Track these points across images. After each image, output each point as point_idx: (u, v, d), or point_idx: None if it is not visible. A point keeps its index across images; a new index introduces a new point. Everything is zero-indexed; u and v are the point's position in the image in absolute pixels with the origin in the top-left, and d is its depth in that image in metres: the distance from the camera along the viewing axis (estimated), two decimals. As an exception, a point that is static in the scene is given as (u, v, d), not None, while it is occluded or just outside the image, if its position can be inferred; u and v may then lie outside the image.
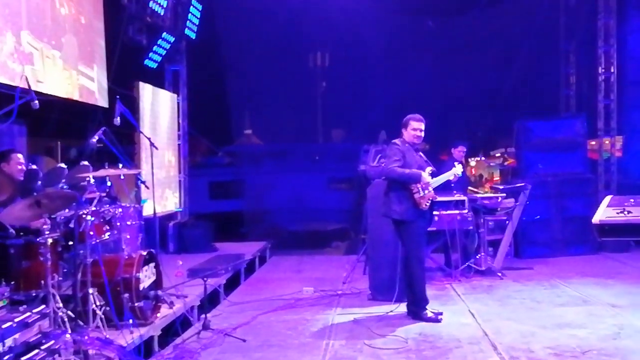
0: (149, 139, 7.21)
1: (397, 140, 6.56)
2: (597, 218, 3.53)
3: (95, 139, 6.19)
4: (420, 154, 6.67)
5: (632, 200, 3.86)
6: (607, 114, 11.57)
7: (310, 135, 18.99)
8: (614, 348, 5.29)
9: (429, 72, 14.56)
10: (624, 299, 6.90)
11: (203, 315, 6.22)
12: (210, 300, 7.04)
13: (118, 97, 6.76)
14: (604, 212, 3.61)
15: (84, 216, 5.29)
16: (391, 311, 6.70)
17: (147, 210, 7.75)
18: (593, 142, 12.08)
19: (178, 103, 11.67)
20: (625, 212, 3.60)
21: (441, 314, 6.50)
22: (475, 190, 9.27)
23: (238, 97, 16.71)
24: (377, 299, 7.31)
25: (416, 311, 6.50)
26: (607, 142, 11.67)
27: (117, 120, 6.57)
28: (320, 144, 19.20)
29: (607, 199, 3.88)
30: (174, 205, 11.24)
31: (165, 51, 10.92)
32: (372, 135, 10.83)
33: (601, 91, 11.49)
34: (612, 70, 11.43)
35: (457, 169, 6.83)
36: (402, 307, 6.69)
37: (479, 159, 14.01)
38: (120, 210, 5.99)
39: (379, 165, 8.27)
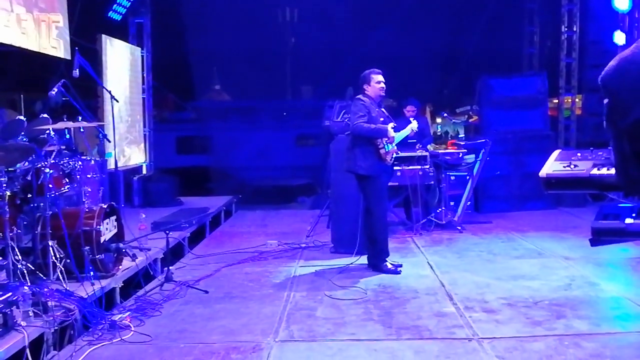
0: (109, 91, 7.14)
1: (361, 96, 6.61)
2: (544, 172, 3.60)
3: (54, 91, 6.11)
4: (383, 109, 6.75)
5: (579, 154, 3.92)
6: (568, 72, 11.70)
7: (279, 92, 18.88)
8: (564, 298, 5.47)
9: (396, 30, 14.52)
10: (577, 252, 7.11)
11: (166, 268, 6.27)
12: (174, 254, 7.12)
13: (77, 48, 6.67)
14: (551, 166, 3.68)
15: (42, 169, 5.25)
16: (352, 263, 6.83)
17: (112, 164, 7.72)
18: (555, 100, 12.24)
19: (142, 56, 11.50)
20: (572, 166, 3.66)
21: (400, 265, 6.66)
22: (438, 146, 9.38)
23: (205, 51, 16.50)
24: (339, 251, 7.44)
25: (376, 263, 6.64)
26: (568, 100, 11.84)
27: (76, 73, 6.49)
28: (289, 101, 19.11)
29: (556, 153, 3.96)
30: (139, 159, 11.18)
31: (129, 3, 10.72)
32: (341, 92, 10.84)
33: (563, 50, 11.61)
34: (574, 29, 11.52)
35: (413, 125, 7.05)
36: (363, 260, 6.82)
37: (444, 116, 14.11)
38: (80, 163, 5.95)
39: (343, 121, 8.32)
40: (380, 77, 6.58)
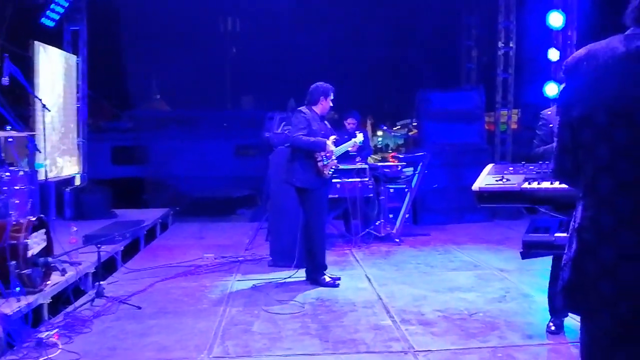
0: (40, 100, 6.92)
1: (303, 108, 6.58)
2: (476, 185, 3.63)
3: (-20, 99, 5.90)
4: (325, 122, 6.74)
5: (511, 168, 3.98)
6: (505, 87, 11.96)
7: (219, 101, 18.75)
8: (498, 310, 5.56)
9: (337, 42, 14.64)
10: (512, 264, 7.23)
11: (97, 283, 6.08)
12: (106, 268, 6.91)
13: (7, 55, 6.44)
14: (484, 180, 3.71)
15: (-34, 180, 5.04)
16: (290, 277, 6.78)
17: (43, 175, 7.47)
18: (492, 114, 12.52)
19: (77, 64, 11.20)
20: (504, 180, 3.70)
21: (339, 279, 6.64)
22: (377, 158, 9.46)
23: (143, 60, 16.25)
24: (278, 265, 7.36)
25: (315, 277, 6.60)
26: (504, 114, 12.12)
27: (6, 80, 6.29)
28: (229, 111, 18.99)
29: (489, 167, 4.01)
30: (72, 170, 10.85)
31: (63, 9, 10.41)
32: (282, 102, 10.81)
33: (500, 65, 11.88)
34: (511, 45, 11.81)
35: (358, 138, 7.05)
36: (302, 273, 6.78)
37: (383, 129, 14.26)
38: (7, 174, 5.74)
39: (283, 133, 8.29)
40: (332, 96, 6.60)
